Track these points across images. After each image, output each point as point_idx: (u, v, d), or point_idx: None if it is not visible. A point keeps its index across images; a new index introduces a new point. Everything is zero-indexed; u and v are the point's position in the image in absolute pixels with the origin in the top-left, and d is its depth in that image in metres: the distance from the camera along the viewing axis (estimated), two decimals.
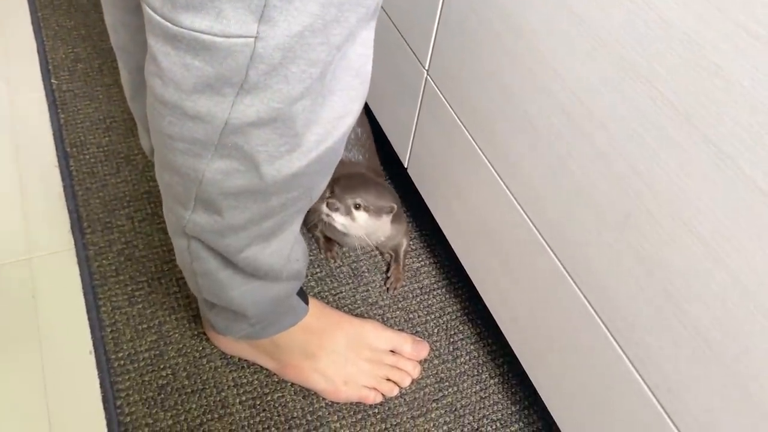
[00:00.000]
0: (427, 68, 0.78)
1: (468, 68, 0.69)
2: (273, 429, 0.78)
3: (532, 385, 0.73)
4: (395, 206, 0.85)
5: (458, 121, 0.74)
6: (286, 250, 0.65)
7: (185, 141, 0.51)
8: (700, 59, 0.41)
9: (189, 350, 0.83)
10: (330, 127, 0.54)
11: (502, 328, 0.77)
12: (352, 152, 0.93)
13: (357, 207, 0.82)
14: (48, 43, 1.20)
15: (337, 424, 0.79)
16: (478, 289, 0.80)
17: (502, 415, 0.83)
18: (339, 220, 0.82)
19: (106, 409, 0.77)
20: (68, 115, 1.08)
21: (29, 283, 0.87)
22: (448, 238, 0.85)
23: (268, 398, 0.80)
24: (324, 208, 0.81)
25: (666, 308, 0.50)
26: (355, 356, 0.81)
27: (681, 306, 0.48)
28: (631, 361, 0.55)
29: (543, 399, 0.71)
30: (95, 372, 0.80)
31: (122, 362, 0.81)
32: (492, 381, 0.86)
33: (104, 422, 0.76)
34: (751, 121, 0.39)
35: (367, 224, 0.83)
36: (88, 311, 0.85)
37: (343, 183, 0.83)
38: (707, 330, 0.46)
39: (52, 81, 1.13)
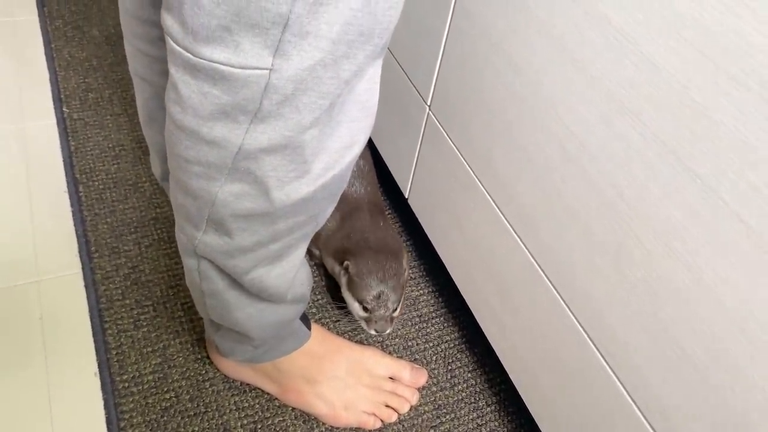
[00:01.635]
0: (429, 104, 0.82)
1: (469, 104, 0.73)
2: None
3: (529, 414, 0.75)
4: (405, 253, 0.89)
5: (458, 153, 0.77)
6: (291, 273, 0.67)
7: (200, 164, 0.53)
8: (685, 99, 0.45)
9: (192, 373, 0.85)
10: (337, 156, 0.57)
11: (499, 355, 0.79)
12: (355, 186, 0.95)
13: (395, 309, 0.84)
14: (60, 73, 1.24)
15: None
16: (475, 316, 0.82)
17: None
18: (388, 331, 0.84)
19: (109, 430, 0.78)
20: (78, 142, 1.11)
21: (37, 305, 0.89)
22: (447, 266, 0.87)
23: (269, 422, 0.82)
24: (371, 331, 0.83)
25: (657, 334, 0.52)
26: (355, 382, 0.83)
27: (670, 332, 0.50)
28: (625, 386, 0.57)
29: (539, 426, 0.73)
30: (99, 393, 0.82)
31: (126, 384, 0.82)
32: (489, 408, 0.87)
33: None
34: (734, 157, 0.42)
35: (401, 308, 0.86)
36: (94, 334, 0.87)
37: (370, 287, 0.83)
38: (696, 356, 0.49)
39: (64, 109, 1.16)
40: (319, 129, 0.53)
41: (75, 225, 0.99)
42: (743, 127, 0.41)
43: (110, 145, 1.12)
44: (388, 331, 0.84)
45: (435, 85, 0.79)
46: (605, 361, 0.59)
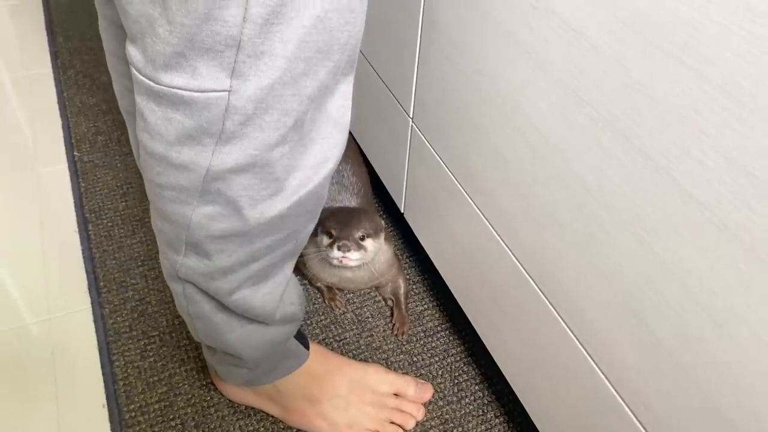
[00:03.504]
0: (411, 116, 0.82)
1: (445, 112, 0.73)
2: None
3: None
4: (381, 222, 0.91)
5: (441, 162, 0.77)
6: (277, 293, 0.68)
7: (173, 189, 0.55)
8: (628, 80, 0.44)
9: (197, 400, 0.85)
10: (311, 173, 0.58)
11: (499, 366, 0.77)
12: (346, 200, 0.96)
13: (362, 238, 0.85)
14: (72, 119, 1.29)
15: None
16: (474, 326, 0.81)
17: None
18: (354, 257, 0.85)
19: None
20: (88, 183, 1.15)
21: (49, 341, 0.92)
22: (443, 277, 0.87)
23: None
24: (335, 252, 0.84)
25: (631, 323, 0.51)
26: (357, 400, 0.82)
27: (642, 319, 0.49)
28: (611, 383, 0.56)
29: None
30: (108, 425, 0.83)
31: (133, 414, 0.83)
32: (497, 420, 0.85)
33: None
34: (677, 133, 0.41)
35: (374, 248, 0.87)
36: (102, 366, 0.89)
37: (337, 221, 0.86)
38: (667, 340, 0.47)
39: (75, 153, 1.21)
40: (289, 147, 0.54)
41: (84, 262, 1.02)
42: (682, 102, 0.40)
43: (118, 184, 1.15)
44: (354, 257, 0.84)
45: (415, 97, 0.80)
46: (591, 358, 0.57)
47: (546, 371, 0.66)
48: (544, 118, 0.55)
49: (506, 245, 0.67)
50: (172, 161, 0.53)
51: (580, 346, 0.59)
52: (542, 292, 0.63)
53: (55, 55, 1.46)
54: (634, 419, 0.53)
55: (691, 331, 0.44)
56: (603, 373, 0.56)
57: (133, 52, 0.49)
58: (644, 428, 0.52)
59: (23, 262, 1.02)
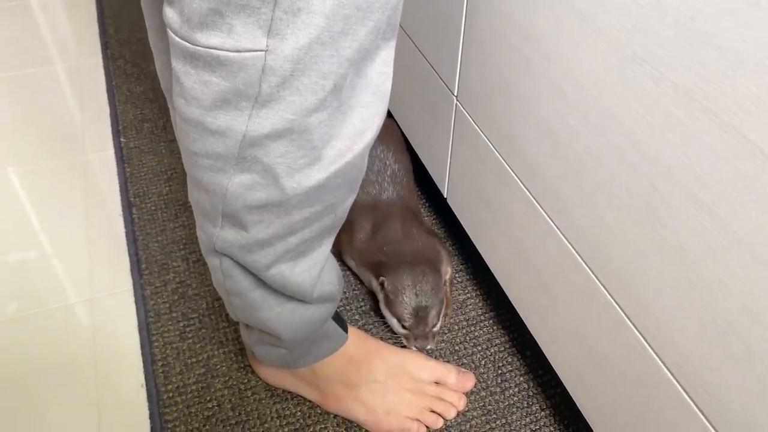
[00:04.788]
0: (456, 94, 0.80)
1: (491, 87, 0.70)
2: None
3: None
4: (447, 273, 0.85)
5: (487, 141, 0.74)
6: (315, 270, 0.66)
7: (209, 157, 0.53)
8: (692, 30, 0.40)
9: (235, 382, 0.84)
10: (350, 143, 0.56)
11: (546, 355, 0.74)
12: (387, 191, 0.93)
13: (435, 325, 0.82)
14: (120, 107, 1.30)
15: None
16: (519, 313, 0.78)
17: None
18: (430, 347, 0.83)
19: None
20: (134, 168, 1.16)
21: (91, 321, 0.92)
22: (487, 263, 0.83)
23: (311, 430, 0.80)
24: (412, 346, 0.82)
25: (693, 301, 0.47)
26: (396, 386, 0.80)
27: (707, 296, 0.45)
28: (669, 369, 0.52)
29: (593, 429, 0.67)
30: (146, 404, 0.82)
31: (171, 394, 0.83)
32: (543, 413, 0.81)
33: None
34: (748, 84, 0.38)
35: (442, 321, 0.84)
36: (142, 346, 0.89)
37: (409, 303, 0.82)
38: (734, 318, 0.43)
39: (121, 139, 1.22)
40: (327, 113, 0.52)
41: (128, 245, 1.02)
42: (754, 49, 0.37)
43: (163, 169, 1.16)
44: (429, 347, 0.81)
45: (459, 74, 0.77)
46: (648, 344, 0.53)
47: (598, 360, 0.62)
48: (597, 82, 0.51)
49: (556, 225, 0.64)
50: (208, 127, 0.51)
51: (636, 331, 0.55)
52: (594, 275, 0.59)
53: (105, 46, 1.49)
54: (694, 407, 0.49)
55: (761, 306, 0.40)
56: (660, 359, 0.52)
57: (170, 13, 0.48)
58: (706, 417, 0.48)
59: (69, 243, 1.03)
